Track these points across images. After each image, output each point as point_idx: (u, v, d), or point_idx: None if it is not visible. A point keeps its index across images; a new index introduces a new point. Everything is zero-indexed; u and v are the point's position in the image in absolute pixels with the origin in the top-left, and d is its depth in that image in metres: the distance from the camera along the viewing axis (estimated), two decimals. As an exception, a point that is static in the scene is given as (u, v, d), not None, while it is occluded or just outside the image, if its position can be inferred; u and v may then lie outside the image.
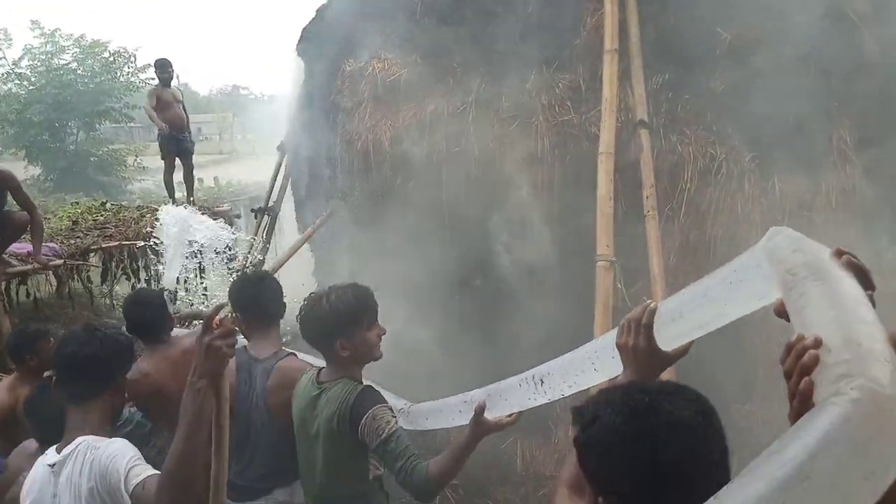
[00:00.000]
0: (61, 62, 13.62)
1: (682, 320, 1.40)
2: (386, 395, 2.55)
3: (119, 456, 1.80)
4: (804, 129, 4.03)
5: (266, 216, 6.97)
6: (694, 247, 3.88)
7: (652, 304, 1.45)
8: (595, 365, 1.59)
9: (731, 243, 3.91)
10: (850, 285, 1.07)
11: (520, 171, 4.15)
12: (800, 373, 1.00)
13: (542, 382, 1.76)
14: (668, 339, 1.43)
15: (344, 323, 2.32)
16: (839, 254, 1.13)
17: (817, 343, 0.98)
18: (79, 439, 1.85)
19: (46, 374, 2.77)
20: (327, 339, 2.33)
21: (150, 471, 1.80)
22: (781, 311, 1.16)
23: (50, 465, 1.85)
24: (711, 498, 0.88)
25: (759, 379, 3.89)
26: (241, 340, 2.87)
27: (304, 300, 2.41)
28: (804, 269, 1.11)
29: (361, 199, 4.83)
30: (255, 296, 2.81)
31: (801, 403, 0.99)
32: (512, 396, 1.92)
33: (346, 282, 2.45)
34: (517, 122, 4.19)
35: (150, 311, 3.10)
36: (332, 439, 2.32)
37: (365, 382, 2.49)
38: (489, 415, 2.02)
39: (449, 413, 2.29)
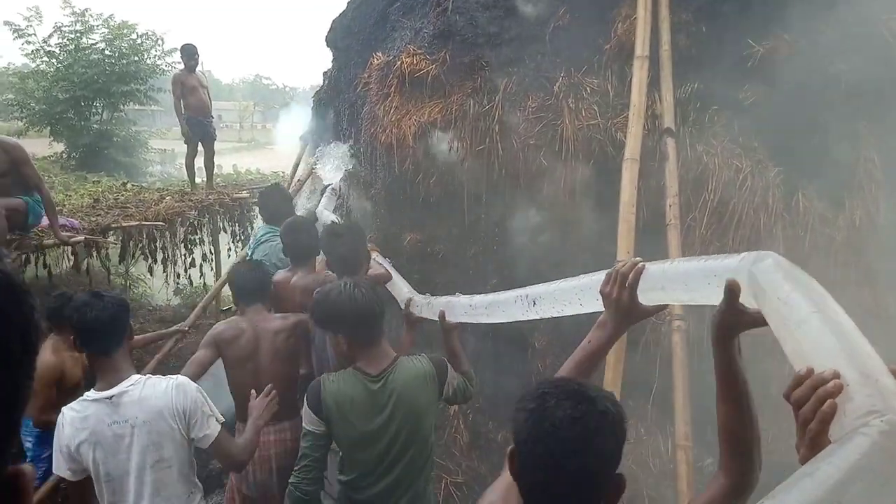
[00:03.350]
0: (90, 41, 13.74)
1: (662, 292, 1.56)
2: (402, 285, 3.21)
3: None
4: (831, 147, 4.00)
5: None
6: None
7: (640, 265, 1.57)
8: (581, 300, 1.79)
9: (752, 257, 3.88)
10: (846, 316, 1.11)
11: (543, 173, 4.15)
12: (819, 399, 1.03)
13: (535, 304, 1.97)
14: (647, 299, 1.59)
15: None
16: None
17: (835, 374, 1.01)
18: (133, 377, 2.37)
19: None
20: (380, 321, 2.50)
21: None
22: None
23: (108, 398, 2.30)
24: None
25: (771, 398, 3.85)
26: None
27: (323, 293, 2.47)
28: (800, 299, 1.16)
29: (382, 192, 4.84)
30: (338, 247, 3.17)
31: (821, 424, 1.02)
32: (508, 309, 2.12)
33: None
34: (543, 123, 4.18)
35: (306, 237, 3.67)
36: (420, 415, 2.48)
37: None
38: (489, 320, 2.32)
39: (458, 308, 2.60)
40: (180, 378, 2.46)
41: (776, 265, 1.29)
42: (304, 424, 2.49)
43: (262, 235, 4.48)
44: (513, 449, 1.34)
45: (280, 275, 3.79)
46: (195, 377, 3.09)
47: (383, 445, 2.46)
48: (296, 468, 2.46)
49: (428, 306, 2.89)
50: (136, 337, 4.53)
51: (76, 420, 2.30)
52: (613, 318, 1.63)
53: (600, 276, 1.69)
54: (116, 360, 2.34)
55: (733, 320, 1.37)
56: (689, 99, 4.09)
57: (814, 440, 1.04)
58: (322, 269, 3.79)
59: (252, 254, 4.46)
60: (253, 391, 2.80)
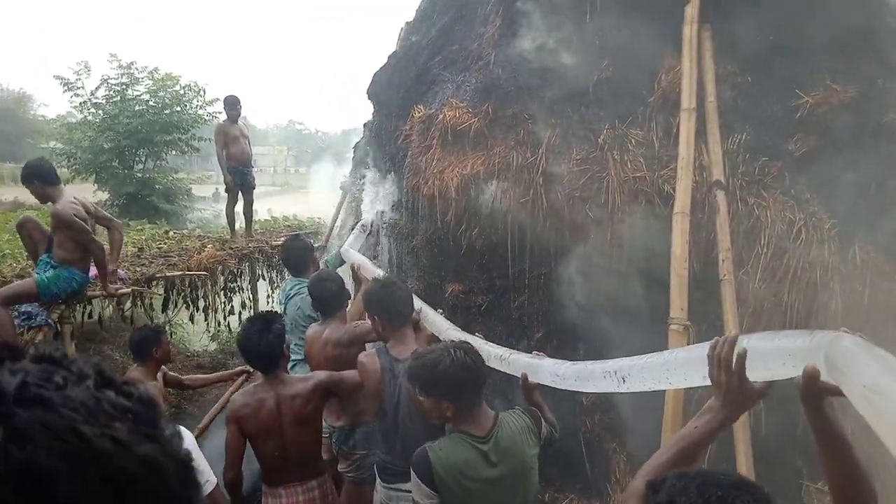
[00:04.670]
0: (135, 93, 14.21)
1: (762, 370, 1.54)
2: (440, 321, 3.10)
3: None
4: (889, 198, 3.90)
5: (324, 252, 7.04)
6: (769, 313, 3.73)
7: (740, 348, 1.50)
8: (670, 379, 1.81)
9: (809, 312, 3.76)
10: None
11: (588, 225, 4.10)
12: None
13: (624, 381, 2.01)
14: (752, 377, 1.54)
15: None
16: None
17: None
18: None
19: None
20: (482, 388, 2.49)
21: None
22: None
23: None
24: None
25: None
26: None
27: (431, 361, 2.38)
28: (893, 385, 1.12)
29: (424, 243, 4.83)
30: (386, 300, 3.05)
31: None
32: (598, 383, 2.20)
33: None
34: (588, 175, 4.15)
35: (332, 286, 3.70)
36: (529, 468, 2.44)
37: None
38: (577, 389, 2.40)
39: (544, 373, 2.59)
40: (176, 427, 2.60)
41: (854, 346, 1.26)
42: (415, 498, 2.40)
43: (290, 289, 4.47)
44: None
45: (312, 329, 3.77)
46: (239, 459, 3.10)
47: None
48: None
49: (500, 360, 2.86)
50: (196, 377, 4.91)
51: None
52: (726, 404, 1.54)
53: (686, 353, 1.67)
54: None
55: (818, 392, 1.36)
56: (737, 150, 4.03)
57: None
58: (355, 318, 3.76)
59: (284, 308, 4.47)
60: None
